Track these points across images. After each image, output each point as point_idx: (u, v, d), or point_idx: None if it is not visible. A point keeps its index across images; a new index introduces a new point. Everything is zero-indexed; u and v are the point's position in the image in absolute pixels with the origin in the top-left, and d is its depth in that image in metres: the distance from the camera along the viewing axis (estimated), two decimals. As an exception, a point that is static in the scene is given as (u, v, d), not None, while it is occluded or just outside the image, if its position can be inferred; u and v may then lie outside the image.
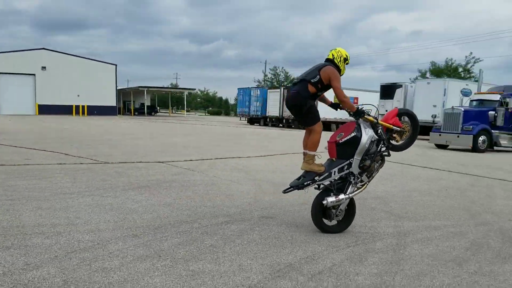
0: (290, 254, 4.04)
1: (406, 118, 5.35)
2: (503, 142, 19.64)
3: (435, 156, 14.52)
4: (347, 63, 5.13)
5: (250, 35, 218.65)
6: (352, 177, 4.84)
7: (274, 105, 39.05)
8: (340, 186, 4.83)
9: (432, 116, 24.26)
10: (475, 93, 22.14)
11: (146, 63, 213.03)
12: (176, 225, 4.83)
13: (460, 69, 53.38)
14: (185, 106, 69.70)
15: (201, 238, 4.40)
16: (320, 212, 4.76)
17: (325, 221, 4.86)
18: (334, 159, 4.84)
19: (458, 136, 18.63)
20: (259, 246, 4.23)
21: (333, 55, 5.06)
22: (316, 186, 4.84)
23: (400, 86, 29.36)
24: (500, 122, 19.10)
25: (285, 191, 4.88)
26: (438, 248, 4.50)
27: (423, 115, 22.15)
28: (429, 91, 25.92)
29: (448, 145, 19.27)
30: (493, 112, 19.09)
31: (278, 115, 38.64)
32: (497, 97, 19.73)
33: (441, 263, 4.03)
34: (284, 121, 38.05)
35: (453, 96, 24.06)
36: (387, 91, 30.09)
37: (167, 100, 75.46)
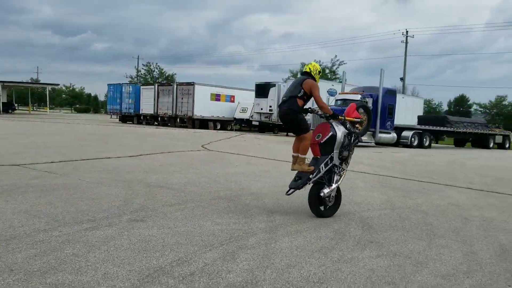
0: (161, 258, 3.85)
1: (362, 110, 6.60)
2: (364, 138, 21.66)
3: (304, 152, 15.34)
4: (320, 75, 6.21)
5: (121, 29, 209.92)
6: (336, 168, 5.77)
7: (148, 102, 37.81)
8: (328, 178, 5.73)
9: None
10: (339, 93, 24.04)
11: (1, 55, 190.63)
12: (32, 234, 4.31)
13: (327, 71, 57.54)
14: (48, 103, 64.05)
15: (61, 247, 3.98)
16: (317, 203, 5.68)
17: (321, 207, 5.74)
18: (318, 157, 5.74)
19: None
20: (127, 251, 3.97)
21: (310, 68, 6.04)
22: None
23: (274, 85, 30.66)
24: (360, 120, 20.99)
25: (287, 194, 5.64)
26: (306, 239, 4.70)
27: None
28: (299, 91, 27.39)
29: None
30: (353, 111, 20.90)
31: (152, 112, 37.57)
32: (358, 97, 21.65)
33: (308, 254, 4.20)
34: (159, 119, 37.13)
35: (321, 95, 25.76)
36: (262, 90, 31.18)
37: (26, 97, 68.53)
